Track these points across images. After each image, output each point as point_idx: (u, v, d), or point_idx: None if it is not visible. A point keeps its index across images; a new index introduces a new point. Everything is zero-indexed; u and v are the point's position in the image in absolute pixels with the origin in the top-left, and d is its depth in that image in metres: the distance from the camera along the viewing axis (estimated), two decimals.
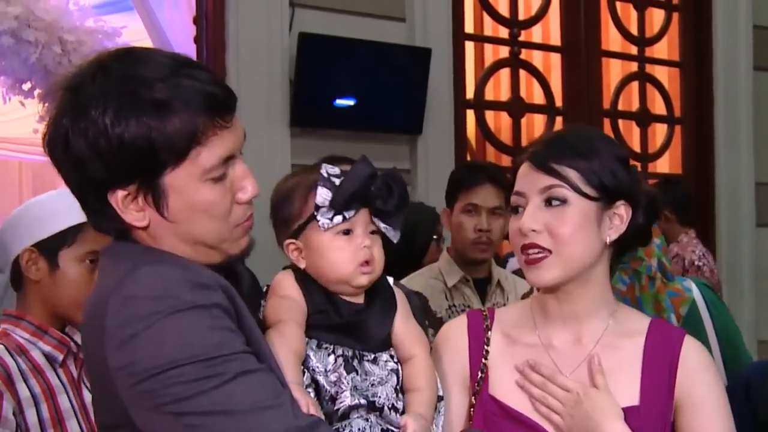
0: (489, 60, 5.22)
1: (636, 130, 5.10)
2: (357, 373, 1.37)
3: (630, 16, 5.06)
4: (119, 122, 1.19)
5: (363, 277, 1.41)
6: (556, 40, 4.91)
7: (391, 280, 1.50)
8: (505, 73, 4.80)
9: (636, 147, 5.03)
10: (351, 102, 3.94)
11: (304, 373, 1.35)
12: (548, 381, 1.45)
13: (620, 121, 4.97)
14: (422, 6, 4.09)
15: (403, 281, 2.82)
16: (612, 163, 1.46)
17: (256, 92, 3.71)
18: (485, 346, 1.54)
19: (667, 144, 5.08)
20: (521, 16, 4.69)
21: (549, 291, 1.50)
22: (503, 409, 1.49)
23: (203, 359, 1.16)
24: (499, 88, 5.35)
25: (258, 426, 1.16)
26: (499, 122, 5.28)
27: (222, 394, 1.15)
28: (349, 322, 1.40)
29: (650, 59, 5.11)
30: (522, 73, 4.70)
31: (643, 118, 5.07)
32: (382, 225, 1.41)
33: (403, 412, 1.38)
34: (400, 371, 1.41)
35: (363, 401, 1.34)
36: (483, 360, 1.53)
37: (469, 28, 4.72)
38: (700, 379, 1.46)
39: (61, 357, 1.87)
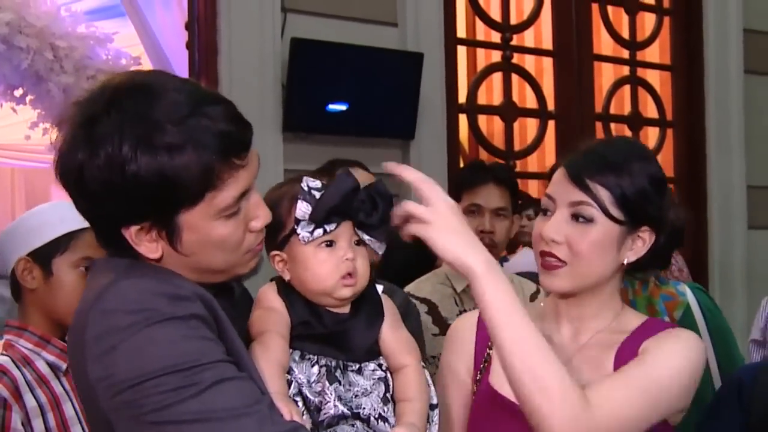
0: (481, 64, 5.24)
1: (628, 134, 5.11)
2: (340, 384, 1.37)
3: (621, 20, 5.08)
4: (133, 163, 1.18)
5: (345, 290, 1.40)
6: (548, 44, 4.93)
7: (380, 288, 1.50)
8: (497, 78, 4.82)
9: None
10: (343, 107, 3.94)
11: (290, 383, 1.35)
12: (426, 178, 1.37)
13: (612, 125, 4.98)
14: (414, 11, 4.10)
15: (409, 287, 2.77)
16: (645, 184, 1.46)
17: (248, 97, 3.70)
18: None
19: (659, 147, 5.09)
20: (513, 21, 4.70)
21: (560, 295, 1.52)
22: (499, 398, 1.52)
23: (180, 369, 1.17)
24: (492, 92, 5.36)
25: None
26: (492, 126, 5.29)
27: (199, 403, 1.16)
28: (332, 332, 1.40)
29: (642, 63, 5.12)
30: (514, 77, 4.71)
31: (635, 121, 5.09)
32: (366, 237, 1.40)
33: (388, 421, 1.37)
34: (389, 380, 1.41)
35: (347, 412, 1.34)
36: (487, 350, 1.57)
37: (461, 32, 4.73)
38: (657, 337, 1.46)
39: (64, 366, 1.89)
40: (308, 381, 1.36)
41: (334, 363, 1.38)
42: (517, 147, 4.75)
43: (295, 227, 1.37)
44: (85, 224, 1.32)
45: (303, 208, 1.36)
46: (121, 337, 1.18)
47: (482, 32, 5.26)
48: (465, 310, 2.71)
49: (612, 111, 5.01)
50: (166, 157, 1.19)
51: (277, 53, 3.77)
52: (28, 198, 6.69)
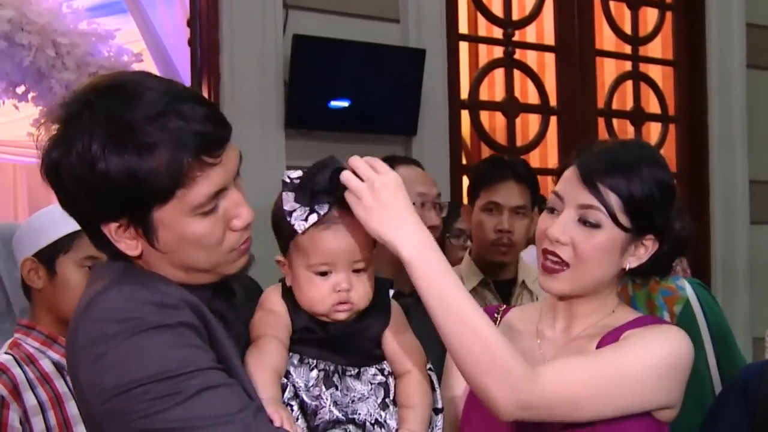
0: (483, 60, 5.22)
1: (630, 129, 5.11)
2: (337, 389, 1.36)
3: (624, 16, 5.07)
4: (102, 162, 1.20)
5: (339, 314, 1.39)
6: (550, 39, 4.92)
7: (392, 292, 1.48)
8: (499, 73, 4.80)
9: None
10: (345, 103, 3.94)
11: (287, 387, 1.34)
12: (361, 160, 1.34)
13: (614, 121, 4.98)
14: (416, 7, 4.09)
15: None
16: (653, 190, 1.45)
17: (250, 94, 3.71)
18: None
19: (662, 143, 5.09)
20: (515, 16, 4.69)
21: (559, 297, 1.53)
22: None
23: (166, 377, 1.19)
24: (494, 88, 5.35)
25: None
26: (494, 122, 5.28)
27: (184, 410, 1.18)
28: (332, 337, 1.39)
29: (644, 58, 5.11)
30: (516, 73, 4.70)
31: (638, 117, 5.08)
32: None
33: (385, 426, 1.37)
34: (390, 385, 1.40)
35: (342, 417, 1.34)
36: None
37: (463, 28, 4.71)
38: (641, 329, 1.45)
39: None
40: (306, 385, 1.35)
41: (332, 367, 1.37)
42: (519, 143, 4.75)
43: (289, 220, 1.34)
44: None
45: (289, 199, 1.34)
46: (109, 346, 1.20)
47: (484, 28, 5.24)
48: None
49: (614, 106, 5.00)
50: (133, 155, 1.20)
51: (279, 50, 3.76)
52: (30, 194, 6.70)
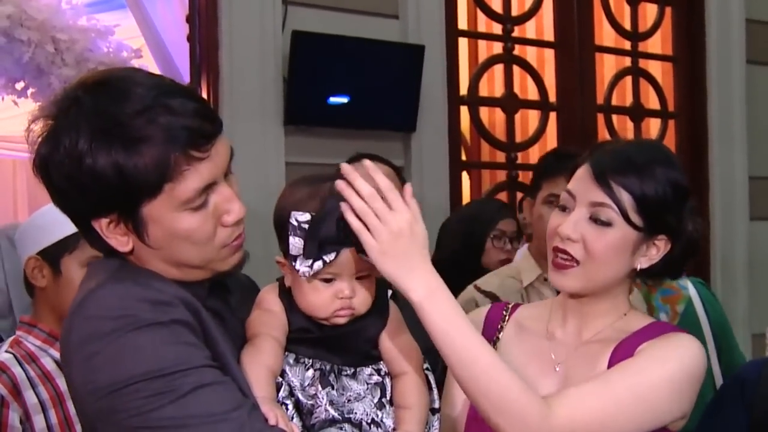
0: (483, 56, 5.23)
1: (630, 125, 5.11)
2: (333, 388, 1.36)
3: (623, 11, 5.06)
4: (90, 157, 1.20)
5: (339, 319, 1.38)
6: (549, 35, 4.91)
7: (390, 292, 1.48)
8: (498, 69, 4.80)
9: None
10: (345, 99, 3.94)
11: (281, 386, 1.34)
12: (376, 195, 1.29)
13: (614, 116, 4.97)
14: (415, 3, 4.09)
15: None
16: (666, 190, 1.44)
17: (249, 90, 3.70)
18: (498, 333, 1.60)
19: (661, 138, 5.08)
20: (514, 12, 4.69)
21: (569, 294, 1.52)
22: None
23: (160, 375, 1.18)
24: (493, 84, 5.35)
25: None
26: (494, 118, 5.28)
27: (177, 409, 1.17)
28: (329, 337, 1.39)
29: (643, 54, 5.11)
30: (516, 69, 4.70)
31: (637, 112, 5.08)
32: (371, 260, 1.32)
33: (381, 426, 1.37)
34: (387, 385, 1.40)
35: (338, 416, 1.34)
36: (492, 345, 1.56)
37: (462, 24, 4.71)
38: (655, 341, 1.44)
39: None
40: (301, 384, 1.35)
41: (328, 367, 1.37)
42: (518, 139, 4.75)
43: (294, 265, 1.32)
44: None
45: (296, 244, 1.32)
46: (103, 343, 1.19)
47: (483, 24, 5.24)
48: None
49: (614, 102, 5.00)
50: (120, 150, 1.20)
51: (278, 46, 3.76)
52: (31, 190, 6.70)
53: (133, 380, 1.17)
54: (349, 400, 1.36)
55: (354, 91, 3.93)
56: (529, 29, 5.19)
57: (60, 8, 4.07)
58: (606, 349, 1.48)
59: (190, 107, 1.24)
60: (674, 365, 1.40)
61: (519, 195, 4.57)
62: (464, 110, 4.48)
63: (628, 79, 5.06)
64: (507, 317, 1.62)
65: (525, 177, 4.88)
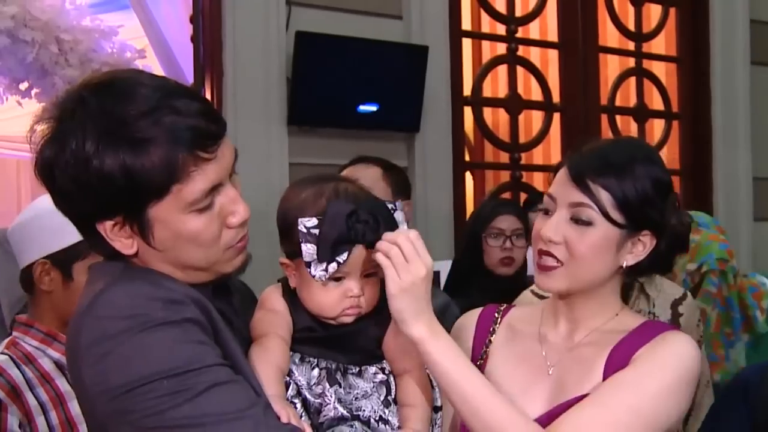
0: (486, 57, 5.22)
1: (633, 126, 5.10)
2: (340, 386, 1.36)
3: (627, 12, 5.06)
4: (97, 159, 1.19)
5: (347, 318, 1.40)
6: (553, 36, 4.91)
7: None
8: (502, 70, 4.80)
9: None
10: (348, 100, 3.94)
11: (289, 385, 1.34)
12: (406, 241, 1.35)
13: (618, 117, 4.97)
14: (419, 3, 4.09)
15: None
16: (647, 187, 1.44)
17: (253, 91, 3.71)
18: (490, 336, 1.59)
19: (665, 139, 5.08)
20: (518, 13, 4.69)
21: (558, 295, 1.52)
22: None
23: (174, 374, 1.17)
24: (497, 84, 5.34)
25: None
26: (497, 119, 5.28)
27: (193, 407, 1.16)
28: (334, 336, 1.39)
29: (647, 55, 5.11)
30: (519, 69, 4.70)
31: (641, 113, 5.08)
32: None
33: (389, 423, 1.37)
34: (392, 383, 1.40)
35: (347, 414, 1.34)
36: (485, 348, 1.58)
37: (466, 24, 4.71)
38: (648, 350, 1.44)
39: None
40: (308, 383, 1.35)
41: (334, 366, 1.38)
42: (522, 139, 4.75)
43: (309, 271, 1.33)
44: None
45: (309, 250, 1.33)
46: (114, 343, 1.18)
47: (487, 24, 5.24)
48: None
49: (617, 103, 5.00)
50: (128, 150, 1.19)
51: (282, 47, 3.77)
52: (34, 190, 6.71)
53: (146, 380, 1.16)
54: (356, 398, 1.37)
55: (357, 91, 3.93)
56: (533, 30, 5.19)
57: (64, 9, 4.08)
58: (600, 353, 1.46)
59: (195, 108, 1.23)
60: (671, 371, 1.40)
61: (523, 195, 4.57)
62: (468, 111, 4.48)
63: (632, 80, 5.06)
64: (499, 320, 1.61)
65: (528, 177, 4.89)
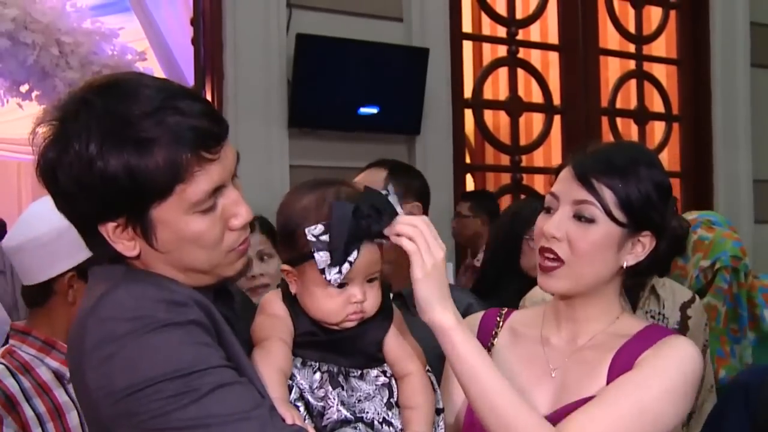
0: (487, 59, 5.22)
1: (634, 128, 5.11)
2: (343, 389, 1.36)
3: (627, 14, 5.06)
4: (101, 158, 1.18)
5: (350, 323, 1.39)
6: (553, 38, 4.92)
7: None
8: (503, 72, 4.81)
9: None
10: (349, 102, 3.94)
11: (292, 389, 1.34)
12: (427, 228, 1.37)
13: (618, 120, 4.97)
14: (419, 6, 4.09)
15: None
16: (650, 190, 1.46)
17: (253, 93, 3.71)
18: (492, 339, 1.59)
19: (665, 141, 5.09)
20: (519, 15, 4.69)
21: (559, 296, 1.52)
22: None
23: (179, 375, 1.16)
24: (497, 87, 5.35)
25: None
26: (498, 121, 5.28)
27: (199, 409, 1.16)
28: (335, 340, 1.39)
29: (648, 57, 5.11)
30: (520, 72, 4.70)
31: (641, 116, 5.08)
32: (384, 241, 1.36)
33: (393, 425, 1.37)
34: (394, 385, 1.40)
35: (350, 416, 1.34)
36: (487, 352, 1.56)
37: (466, 27, 4.72)
38: (653, 351, 1.45)
39: (69, 373, 1.81)
40: (310, 387, 1.35)
41: (336, 369, 1.37)
42: (523, 142, 4.75)
43: (325, 277, 1.33)
44: None
45: (322, 258, 1.32)
46: (119, 345, 1.18)
47: (488, 27, 5.24)
48: None
49: (618, 105, 5.00)
50: (132, 151, 1.19)
51: (283, 49, 3.77)
52: (35, 192, 6.71)
53: (152, 381, 1.15)
54: (359, 400, 1.36)
55: (358, 93, 3.93)
56: (534, 32, 5.20)
57: (65, 11, 4.08)
58: (604, 358, 1.47)
59: (198, 108, 1.23)
60: (674, 374, 1.41)
61: (523, 198, 4.57)
62: (468, 113, 4.48)
63: (633, 82, 5.07)
64: (501, 323, 1.62)
65: (529, 180, 4.89)
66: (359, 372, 1.39)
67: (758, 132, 5.09)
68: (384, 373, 1.41)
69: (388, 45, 3.99)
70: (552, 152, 5.25)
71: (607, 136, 4.86)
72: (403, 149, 4.10)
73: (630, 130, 5.13)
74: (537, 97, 4.86)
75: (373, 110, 3.99)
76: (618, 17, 4.96)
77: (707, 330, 2.49)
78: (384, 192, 1.36)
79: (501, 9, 4.64)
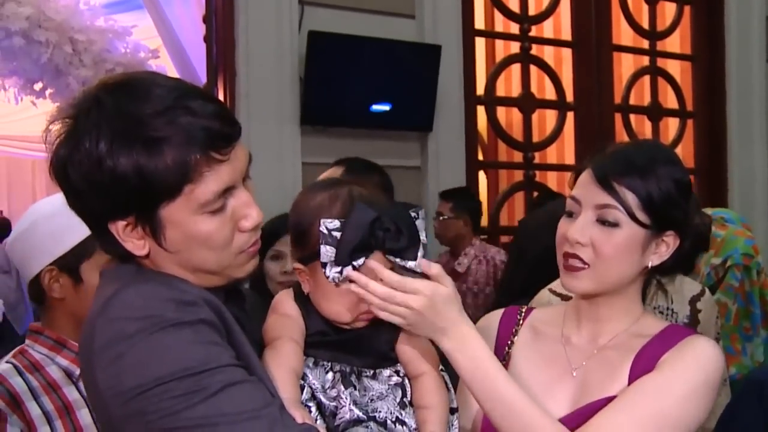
0: (499, 56, 5.22)
1: (648, 125, 5.08)
2: (355, 388, 1.36)
3: (641, 10, 5.04)
4: (110, 157, 1.19)
5: (362, 323, 1.39)
6: (566, 35, 4.90)
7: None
8: (515, 69, 4.80)
9: None
10: (361, 100, 3.94)
11: (303, 389, 1.34)
12: (393, 292, 1.35)
13: (632, 116, 4.95)
14: (432, 3, 4.09)
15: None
16: (671, 188, 1.45)
17: (266, 91, 3.71)
18: (512, 337, 1.59)
19: (680, 138, 5.06)
20: (532, 12, 4.68)
21: (582, 296, 1.52)
22: None
23: (189, 374, 1.16)
24: (510, 83, 5.34)
25: None
26: (510, 118, 5.27)
27: (208, 407, 1.16)
28: (347, 339, 1.39)
29: (662, 53, 5.09)
30: (533, 68, 4.69)
31: (655, 112, 5.05)
32: (398, 261, 1.35)
33: (406, 424, 1.36)
34: (407, 385, 1.40)
35: (363, 416, 1.34)
36: (507, 349, 1.58)
37: (479, 24, 4.70)
38: (673, 355, 1.44)
39: (77, 371, 1.78)
40: (323, 387, 1.35)
41: (348, 369, 1.37)
42: (535, 138, 4.73)
43: (323, 270, 1.33)
44: None
45: (327, 252, 1.32)
46: (128, 344, 1.18)
47: (501, 23, 5.23)
48: None
49: (631, 102, 4.98)
50: (142, 150, 1.19)
51: (295, 46, 3.77)
52: (49, 189, 6.75)
53: (162, 380, 1.15)
54: (372, 400, 1.36)
55: (370, 91, 3.93)
56: (547, 28, 5.18)
57: (78, 9, 4.10)
58: (625, 358, 1.47)
59: (210, 109, 1.23)
60: (696, 375, 1.41)
61: (536, 195, 4.56)
62: (481, 110, 4.47)
63: (646, 79, 5.04)
64: (521, 321, 1.62)
65: (542, 177, 4.87)
66: (372, 372, 1.39)
67: None
68: (397, 372, 1.40)
69: (400, 42, 3.98)
70: (565, 149, 5.24)
71: (621, 133, 4.84)
72: (415, 146, 4.09)
73: (644, 127, 5.10)
74: (550, 93, 4.84)
75: (386, 107, 3.99)
76: (631, 13, 4.93)
77: (719, 323, 2.48)
78: (413, 214, 1.36)
79: (514, 5, 4.62)
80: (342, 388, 1.34)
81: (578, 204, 1.48)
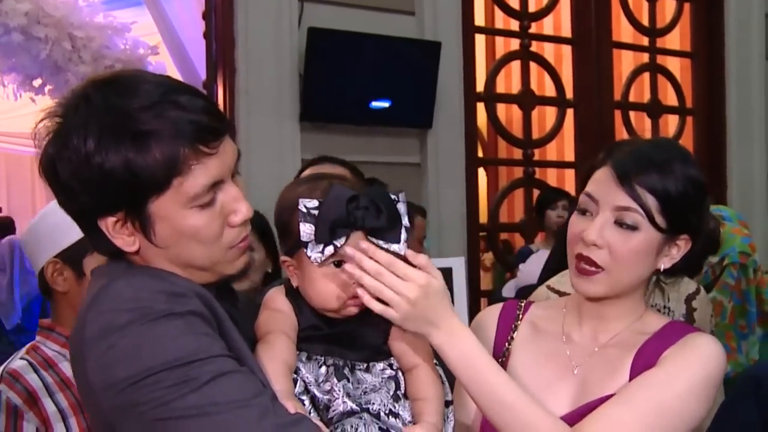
0: (499, 52, 5.22)
1: (647, 122, 5.08)
2: (348, 381, 1.36)
3: (641, 7, 5.04)
4: (99, 153, 1.19)
5: (351, 309, 1.39)
6: (566, 31, 4.90)
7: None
8: (515, 66, 4.79)
9: None
10: (361, 96, 3.94)
11: (296, 382, 1.34)
12: (385, 271, 1.33)
13: (631, 113, 4.95)
14: None
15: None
16: (688, 189, 1.44)
17: (265, 87, 3.71)
18: (512, 333, 1.58)
19: (679, 135, 5.06)
20: (532, 8, 4.67)
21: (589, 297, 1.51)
22: None
23: (179, 364, 1.17)
24: (510, 80, 5.34)
25: (238, 424, 1.17)
26: (510, 115, 5.27)
27: (199, 397, 1.17)
28: (339, 333, 1.39)
29: (661, 50, 5.08)
30: (533, 65, 4.68)
31: (655, 109, 5.06)
32: (381, 243, 1.35)
33: (400, 416, 1.37)
34: (400, 378, 1.40)
35: (356, 407, 1.34)
36: (507, 345, 1.57)
37: (479, 20, 4.70)
38: (674, 351, 1.44)
39: None
40: (316, 380, 1.35)
41: (341, 362, 1.37)
42: (535, 135, 4.73)
43: (305, 250, 1.33)
44: None
45: (307, 230, 1.33)
46: (119, 336, 1.18)
47: (500, 20, 5.23)
48: None
49: (631, 99, 4.98)
50: (129, 144, 1.19)
51: (294, 43, 3.77)
52: (48, 186, 6.76)
53: (152, 371, 1.16)
54: (365, 392, 1.36)
55: (370, 87, 3.93)
56: (547, 25, 5.18)
57: (77, 5, 4.09)
58: (626, 354, 1.46)
59: (197, 104, 1.24)
60: (697, 372, 1.40)
61: (536, 192, 4.56)
62: (481, 107, 4.47)
63: (646, 76, 5.04)
64: (521, 316, 1.61)
65: (542, 174, 4.87)
66: (365, 365, 1.39)
67: None
68: (390, 366, 1.41)
69: (400, 39, 3.98)
70: (565, 146, 5.24)
71: (620, 130, 4.84)
72: (415, 143, 4.09)
73: (643, 124, 5.10)
74: (550, 90, 4.84)
75: (385, 104, 3.98)
76: (631, 10, 4.93)
77: (713, 321, 2.49)
78: (393, 197, 1.36)
79: (514, 2, 4.62)
80: (335, 381, 1.35)
81: (595, 203, 1.45)
